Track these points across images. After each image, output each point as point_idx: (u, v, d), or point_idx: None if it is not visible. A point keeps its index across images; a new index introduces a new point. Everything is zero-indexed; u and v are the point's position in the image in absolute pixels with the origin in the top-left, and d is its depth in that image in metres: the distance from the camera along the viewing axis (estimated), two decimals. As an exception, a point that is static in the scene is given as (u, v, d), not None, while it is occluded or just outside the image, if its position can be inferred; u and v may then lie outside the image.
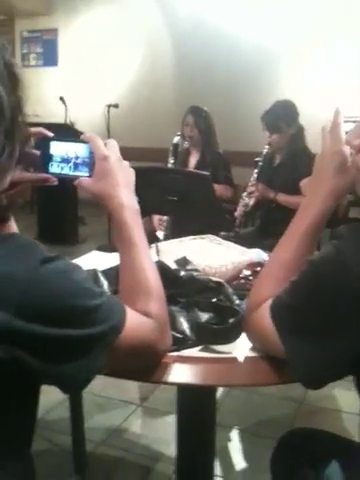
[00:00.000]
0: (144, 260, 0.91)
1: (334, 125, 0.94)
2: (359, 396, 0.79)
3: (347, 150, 0.92)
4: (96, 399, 2.24)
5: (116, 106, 4.46)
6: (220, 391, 2.30)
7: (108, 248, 1.67)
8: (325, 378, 0.78)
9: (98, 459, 1.94)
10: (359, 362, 0.72)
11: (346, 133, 0.94)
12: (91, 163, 0.97)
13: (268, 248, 1.24)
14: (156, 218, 2.95)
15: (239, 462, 1.93)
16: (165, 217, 2.90)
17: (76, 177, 0.98)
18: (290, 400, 2.28)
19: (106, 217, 3.93)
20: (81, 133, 1.00)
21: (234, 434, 2.10)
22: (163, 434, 2.04)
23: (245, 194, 2.90)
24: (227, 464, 1.92)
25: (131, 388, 2.42)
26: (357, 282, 0.67)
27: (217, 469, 1.81)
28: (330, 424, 2.08)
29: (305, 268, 0.77)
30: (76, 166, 1.00)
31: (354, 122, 0.94)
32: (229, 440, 2.05)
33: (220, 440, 1.95)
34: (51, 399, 2.11)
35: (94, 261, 1.44)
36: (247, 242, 1.60)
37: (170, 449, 1.85)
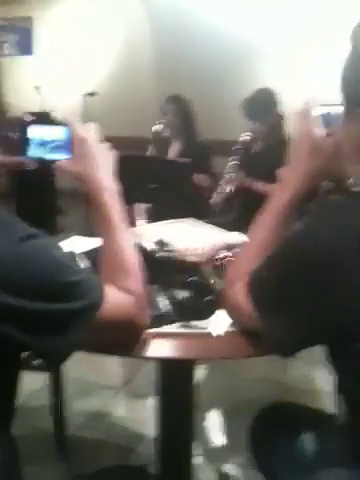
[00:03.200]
0: (123, 239, 0.94)
1: (306, 109, 0.97)
2: (331, 366, 0.82)
3: (319, 133, 0.96)
4: (77, 384, 2.26)
5: (93, 94, 4.43)
6: (200, 374, 2.34)
7: (87, 235, 1.68)
8: (298, 347, 0.82)
9: (80, 441, 1.96)
10: (330, 331, 0.75)
11: (322, 116, 0.97)
12: (70, 145, 0.99)
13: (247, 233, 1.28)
14: (136, 207, 2.96)
15: (218, 441, 1.98)
16: (145, 205, 2.91)
17: (55, 160, 1.00)
18: (269, 382, 2.34)
19: (85, 207, 3.93)
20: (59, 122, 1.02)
21: (214, 414, 2.15)
22: (144, 416, 2.08)
23: (223, 181, 2.93)
24: (206, 443, 1.96)
25: (112, 373, 2.45)
26: (325, 252, 0.71)
27: (197, 448, 1.86)
28: (309, 404, 2.14)
29: (279, 243, 0.81)
30: (55, 149, 1.01)
31: (327, 105, 0.97)
32: (208, 420, 2.10)
33: (200, 421, 2.00)
34: (32, 385, 2.12)
35: (75, 244, 1.46)
36: (226, 229, 1.63)
37: (150, 430, 1.88)
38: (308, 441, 1.01)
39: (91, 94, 4.43)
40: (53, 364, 1.35)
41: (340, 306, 0.71)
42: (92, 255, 1.19)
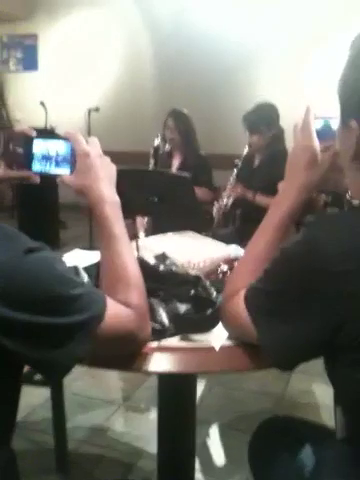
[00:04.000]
0: (124, 252, 0.95)
1: (305, 122, 0.99)
2: (329, 378, 0.82)
3: (317, 146, 0.97)
4: (78, 399, 2.26)
5: (97, 110, 4.49)
6: (201, 388, 2.33)
7: (90, 248, 1.70)
8: (297, 360, 0.82)
9: (80, 457, 1.95)
10: (329, 343, 0.76)
11: (318, 129, 0.99)
12: (73, 160, 1.00)
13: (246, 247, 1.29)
14: (138, 219, 2.98)
15: (219, 456, 1.97)
16: (146, 218, 2.94)
17: (58, 174, 1.01)
18: (269, 395, 2.33)
19: (87, 221, 3.95)
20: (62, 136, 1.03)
21: (214, 429, 2.13)
22: (145, 431, 2.07)
23: (224, 194, 2.95)
24: (207, 458, 1.95)
25: (113, 388, 2.44)
26: (321, 264, 0.71)
27: (197, 463, 1.84)
28: (308, 417, 2.12)
29: (276, 255, 0.81)
30: (58, 163, 1.03)
31: (323, 119, 0.99)
32: (209, 435, 2.09)
33: (201, 435, 1.98)
34: (33, 400, 2.12)
35: (76, 259, 1.47)
36: (225, 241, 1.64)
37: (152, 446, 1.87)
38: (308, 455, 1.00)
39: (95, 110, 4.48)
40: (53, 378, 1.35)
41: (337, 317, 0.72)
42: (93, 269, 1.19)
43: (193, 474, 1.52)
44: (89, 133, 4.36)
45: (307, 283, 0.74)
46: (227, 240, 1.58)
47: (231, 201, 2.94)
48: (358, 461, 0.83)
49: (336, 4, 4.80)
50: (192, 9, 5.39)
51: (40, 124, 4.93)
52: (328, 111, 0.97)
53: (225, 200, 2.93)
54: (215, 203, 2.97)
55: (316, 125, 0.98)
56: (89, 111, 4.45)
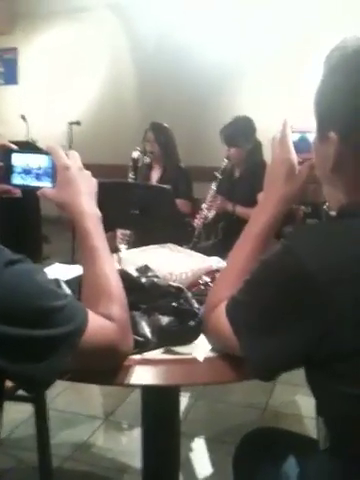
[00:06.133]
0: (106, 265, 0.95)
1: (282, 135, 1.01)
2: (310, 389, 0.83)
3: (295, 158, 0.99)
4: (62, 415, 2.22)
5: (78, 123, 4.50)
6: (185, 402, 2.32)
7: (71, 262, 1.69)
8: (278, 370, 0.82)
9: (65, 474, 1.92)
10: (310, 355, 0.76)
11: (295, 142, 1.00)
12: (53, 173, 1.00)
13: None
14: (119, 232, 2.98)
15: (204, 469, 1.96)
16: (127, 231, 2.93)
17: (39, 187, 1.01)
18: (253, 407, 2.33)
19: (69, 234, 3.93)
20: (42, 150, 1.04)
21: (199, 442, 2.12)
22: (129, 447, 2.05)
23: (204, 205, 2.97)
24: (192, 472, 1.94)
25: (96, 403, 2.42)
26: (304, 275, 0.72)
27: (182, 477, 1.83)
28: (292, 428, 2.13)
29: (256, 266, 0.82)
30: (38, 177, 1.03)
31: (300, 133, 1.01)
32: (194, 449, 2.07)
33: (185, 449, 1.97)
34: (16, 417, 2.08)
35: (57, 272, 1.46)
36: (208, 254, 1.65)
37: (136, 461, 1.85)
38: (292, 466, 1.00)
39: (76, 123, 4.48)
40: (33, 392, 1.34)
41: (316, 328, 0.72)
42: (74, 283, 1.19)
43: (178, 488, 1.50)
44: (70, 146, 4.35)
45: (287, 294, 0.75)
46: (209, 252, 1.58)
47: (213, 214, 2.96)
48: (340, 472, 0.84)
49: (319, 20, 4.89)
50: (174, 24, 5.46)
51: (21, 137, 4.91)
52: (304, 125, 0.99)
53: (205, 212, 2.95)
54: (197, 216, 2.99)
55: (293, 138, 1.00)
56: (70, 124, 4.46)
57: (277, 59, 5.13)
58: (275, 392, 2.41)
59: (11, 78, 6.59)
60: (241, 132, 2.95)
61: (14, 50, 6.49)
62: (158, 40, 5.56)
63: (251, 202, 2.73)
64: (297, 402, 2.36)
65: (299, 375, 0.84)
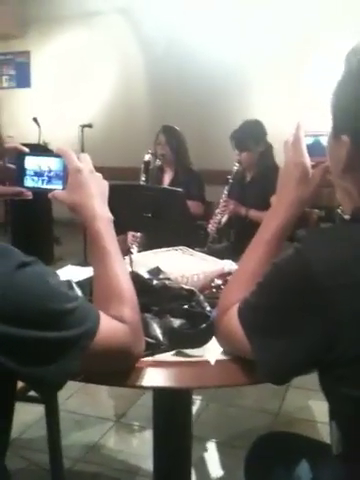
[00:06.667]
0: (117, 267, 0.94)
1: (296, 138, 1.00)
2: (323, 392, 0.82)
3: (308, 162, 0.98)
4: (73, 416, 2.23)
5: (90, 126, 4.51)
6: (197, 405, 2.32)
7: (83, 264, 1.70)
8: (290, 375, 0.82)
9: (76, 476, 1.93)
10: (320, 357, 0.75)
11: (307, 146, 1.00)
12: (64, 176, 1.01)
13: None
14: (130, 235, 2.98)
15: (215, 473, 1.95)
16: (139, 234, 2.94)
17: (50, 190, 1.02)
18: (266, 412, 2.31)
19: (81, 236, 3.94)
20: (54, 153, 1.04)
21: (210, 446, 2.11)
22: (140, 449, 2.05)
23: (218, 210, 2.97)
24: (204, 475, 1.93)
25: (108, 405, 2.42)
26: (317, 278, 0.71)
27: (194, 481, 1.83)
28: (305, 433, 2.11)
29: (268, 270, 0.81)
30: (50, 179, 1.03)
31: (313, 136, 1.00)
32: (205, 452, 2.07)
33: (196, 452, 1.96)
34: (28, 418, 2.09)
35: (69, 274, 1.46)
36: (220, 256, 1.65)
37: (147, 463, 1.85)
38: (305, 471, 1.00)
39: (88, 126, 4.50)
40: (45, 394, 1.34)
41: (329, 333, 0.72)
42: (86, 285, 1.19)
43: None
44: (83, 149, 4.37)
45: (299, 298, 0.74)
46: (222, 255, 1.58)
47: (225, 219, 2.96)
48: (354, 477, 0.83)
49: (329, 24, 4.87)
50: (185, 26, 5.47)
51: (33, 140, 4.95)
52: (318, 128, 0.98)
53: (219, 217, 2.94)
54: (210, 220, 2.99)
55: (306, 141, 0.99)
56: (82, 127, 4.47)
57: (291, 61, 5.10)
58: (288, 397, 2.39)
59: (24, 81, 6.65)
60: (251, 136, 2.94)
61: (27, 53, 6.55)
62: (167, 43, 5.57)
63: (263, 205, 2.72)
64: (311, 407, 2.34)
65: (312, 379, 0.83)
